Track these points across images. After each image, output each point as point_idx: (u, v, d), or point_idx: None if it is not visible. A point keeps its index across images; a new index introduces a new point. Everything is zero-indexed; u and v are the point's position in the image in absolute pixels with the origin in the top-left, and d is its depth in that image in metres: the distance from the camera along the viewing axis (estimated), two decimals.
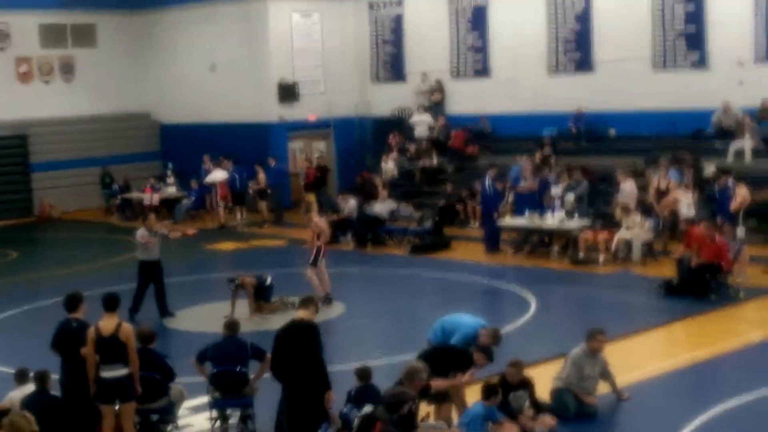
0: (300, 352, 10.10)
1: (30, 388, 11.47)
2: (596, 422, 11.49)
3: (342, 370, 12.23)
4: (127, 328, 10.59)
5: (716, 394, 12.01)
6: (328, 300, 17.06)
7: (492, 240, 21.86)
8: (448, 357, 11.22)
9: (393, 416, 9.27)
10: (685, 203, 20.14)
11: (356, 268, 21.07)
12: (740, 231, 18.99)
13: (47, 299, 17.83)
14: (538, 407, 11.38)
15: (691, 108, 24.09)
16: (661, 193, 20.97)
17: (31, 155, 31.29)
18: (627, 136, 25.32)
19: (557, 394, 11.73)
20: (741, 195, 19.53)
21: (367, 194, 26.45)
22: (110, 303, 10.75)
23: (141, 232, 17.01)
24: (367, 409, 9.83)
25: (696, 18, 24.42)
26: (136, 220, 29.34)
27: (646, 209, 20.88)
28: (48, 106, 31.36)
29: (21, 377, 12.04)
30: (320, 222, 17.85)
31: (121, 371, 10.45)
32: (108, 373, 10.45)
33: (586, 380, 11.68)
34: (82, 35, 32.56)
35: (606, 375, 11.97)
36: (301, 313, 10.44)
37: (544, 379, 11.93)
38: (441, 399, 10.80)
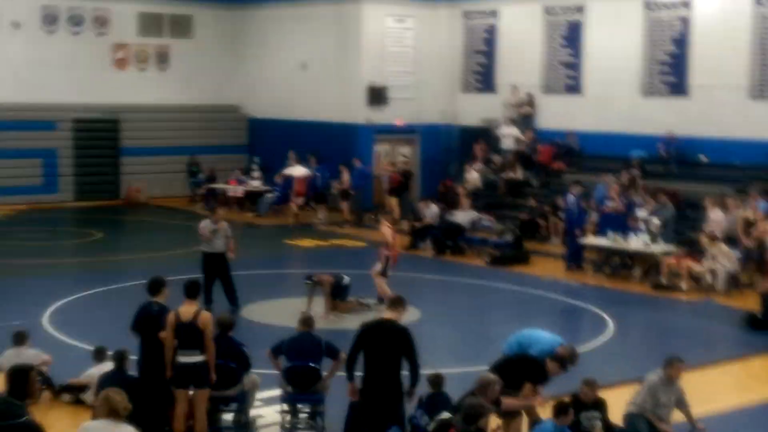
0: (382, 352, 10.09)
1: (107, 366, 11.71)
2: None
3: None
4: (206, 315, 10.75)
5: None
6: (380, 301, 17.01)
7: (573, 258, 21.65)
8: (522, 367, 11.13)
9: (470, 427, 9.24)
10: None
11: (434, 275, 21.04)
12: None
13: (127, 281, 18.14)
14: (610, 430, 11.23)
15: None
16: (749, 224, 20.53)
17: (122, 140, 31.89)
18: (718, 164, 24.85)
19: (630, 418, 11.54)
20: None
21: (449, 202, 26.41)
22: (192, 290, 10.93)
23: (204, 224, 17.08)
24: (445, 415, 9.80)
25: None
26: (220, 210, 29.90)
27: (732, 239, 20.47)
28: (141, 93, 31.95)
29: (99, 355, 12.32)
30: (386, 231, 17.77)
31: (197, 357, 10.60)
32: (185, 359, 10.61)
33: (660, 408, 11.47)
34: (179, 26, 33.10)
35: (681, 404, 11.74)
36: (389, 314, 10.43)
37: (618, 403, 11.75)
38: (511, 413, 10.71)
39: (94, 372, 11.87)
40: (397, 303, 10.50)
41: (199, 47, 33.27)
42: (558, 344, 11.61)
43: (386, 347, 10.10)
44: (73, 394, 12.19)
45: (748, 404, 12.97)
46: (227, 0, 33.63)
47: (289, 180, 28.95)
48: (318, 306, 16.67)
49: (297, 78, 31.70)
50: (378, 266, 17.50)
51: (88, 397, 11.73)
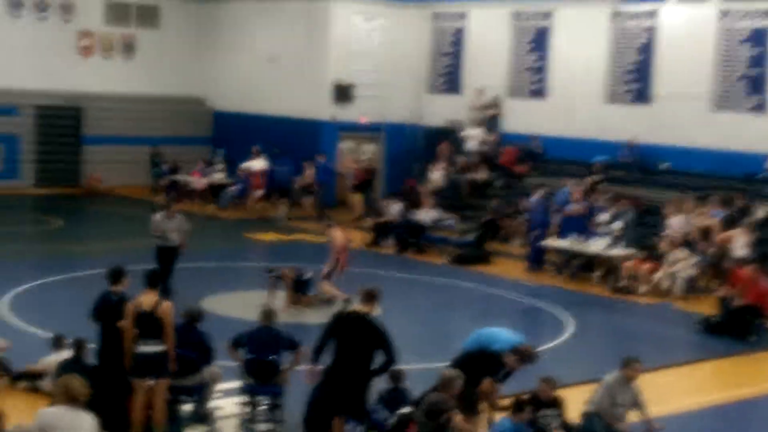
0: (353, 344, 10.10)
1: (65, 354, 11.63)
2: None
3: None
4: (167, 305, 10.66)
5: None
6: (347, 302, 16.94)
7: (535, 259, 21.80)
8: (481, 363, 11.20)
9: (431, 423, 9.30)
10: (741, 243, 19.91)
11: (396, 272, 21.08)
12: None
13: (87, 270, 18.01)
14: (567, 429, 11.33)
15: (746, 150, 23.91)
16: (706, 231, 20.75)
17: (84, 128, 31.63)
18: (679, 171, 25.16)
19: (587, 417, 11.65)
20: None
21: (412, 201, 26.49)
22: (152, 279, 10.86)
23: (157, 217, 17.05)
24: (405, 410, 9.85)
25: (759, 62, 24.22)
26: (181, 202, 29.74)
27: (690, 244, 20.70)
28: (105, 81, 31.70)
29: (57, 343, 12.22)
30: (337, 235, 17.58)
31: (157, 347, 10.54)
32: (144, 348, 10.54)
33: (617, 407, 11.59)
34: (146, 16, 32.89)
35: (638, 405, 11.86)
36: (361, 307, 10.45)
37: (575, 402, 11.86)
38: (471, 411, 10.76)
39: (52, 359, 11.79)
40: (371, 296, 10.54)
41: (166, 38, 33.08)
42: (518, 343, 11.69)
43: (357, 339, 10.13)
44: (30, 381, 12.09)
45: (703, 406, 13.14)
46: None
47: (248, 174, 29.08)
48: (280, 299, 16.65)
49: (263, 72, 31.63)
50: (325, 269, 17.42)
51: (46, 384, 11.65)
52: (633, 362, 11.75)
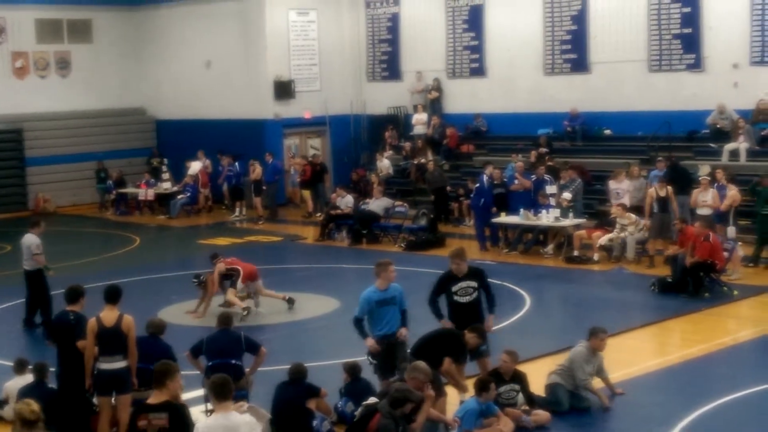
0: None
1: (28, 378, 11.54)
2: (589, 417, 11.57)
3: (334, 364, 12.30)
4: (129, 319, 10.55)
5: (708, 390, 12.11)
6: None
7: (486, 237, 21.94)
8: (441, 343, 11.28)
9: (395, 411, 9.37)
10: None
11: (351, 264, 21.10)
12: (731, 231, 19.12)
13: None
14: (531, 401, 11.46)
15: (686, 109, 24.19)
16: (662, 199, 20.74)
17: (26, 150, 31.25)
18: (622, 137, 25.43)
19: (552, 389, 11.80)
20: (731, 195, 19.63)
21: (362, 191, 26.53)
22: (112, 295, 10.71)
23: (29, 238, 16.17)
24: (372, 400, 9.91)
25: (691, 20, 24.48)
26: (131, 215, 29.58)
27: (638, 208, 20.90)
28: (43, 100, 31.33)
29: (19, 367, 12.09)
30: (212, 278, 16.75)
31: (120, 363, 10.43)
32: (106, 365, 10.43)
33: (585, 377, 11.72)
34: (78, 31, 32.53)
35: (600, 372, 12.03)
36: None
37: (537, 375, 12.00)
38: (436, 393, 10.83)
39: (12, 385, 11.69)
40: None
41: (101, 51, 32.76)
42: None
43: None
44: None
45: (664, 366, 13.34)
46: (126, 2, 33.17)
47: (197, 179, 29.10)
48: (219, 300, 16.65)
49: (202, 76, 31.47)
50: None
51: (6, 411, 11.55)
52: (600, 332, 11.90)
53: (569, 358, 11.90)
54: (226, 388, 7.80)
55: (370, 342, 11.26)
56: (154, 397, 8.07)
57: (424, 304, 12.05)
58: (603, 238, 20.16)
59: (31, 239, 16.25)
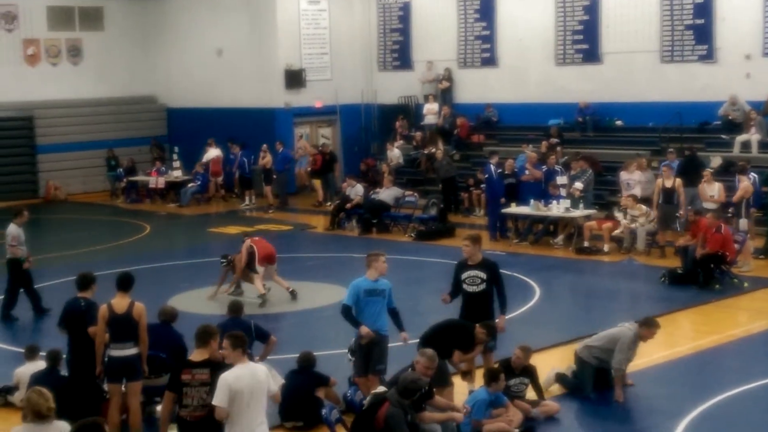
0: None
1: (39, 365, 11.58)
2: (598, 408, 11.55)
3: (343, 354, 12.31)
4: (140, 306, 10.56)
5: (718, 382, 12.10)
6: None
7: (496, 228, 21.92)
8: (450, 334, 11.29)
9: (405, 401, 9.39)
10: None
11: (361, 253, 21.01)
12: (743, 223, 19.06)
13: (52, 279, 17.88)
14: (541, 394, 11.47)
15: (697, 100, 24.13)
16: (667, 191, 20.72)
17: (37, 137, 31.30)
18: (633, 128, 25.37)
19: (581, 366, 11.79)
20: (743, 187, 19.56)
21: (372, 181, 26.52)
22: (124, 282, 10.71)
23: (12, 230, 15.83)
24: (381, 389, 9.92)
25: (704, 11, 24.41)
26: (142, 203, 29.63)
27: (648, 200, 20.84)
28: (55, 88, 31.37)
29: (31, 354, 12.13)
30: (240, 256, 16.90)
31: (131, 350, 10.45)
32: (117, 352, 10.46)
33: (623, 363, 11.65)
34: (90, 18, 32.54)
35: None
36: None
37: (547, 366, 12.00)
38: (443, 383, 10.85)
39: (24, 371, 11.72)
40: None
41: (112, 39, 32.76)
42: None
43: None
44: (1, 396, 12.02)
45: (674, 357, 13.31)
46: None
47: (208, 167, 29.10)
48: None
49: (213, 65, 31.46)
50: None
51: (17, 398, 11.59)
52: (655, 326, 11.74)
53: (613, 337, 11.68)
54: (242, 340, 8.44)
55: (365, 330, 10.95)
56: (197, 355, 8.74)
57: (433, 293, 12.06)
58: (615, 231, 20.11)
59: (9, 229, 15.92)
